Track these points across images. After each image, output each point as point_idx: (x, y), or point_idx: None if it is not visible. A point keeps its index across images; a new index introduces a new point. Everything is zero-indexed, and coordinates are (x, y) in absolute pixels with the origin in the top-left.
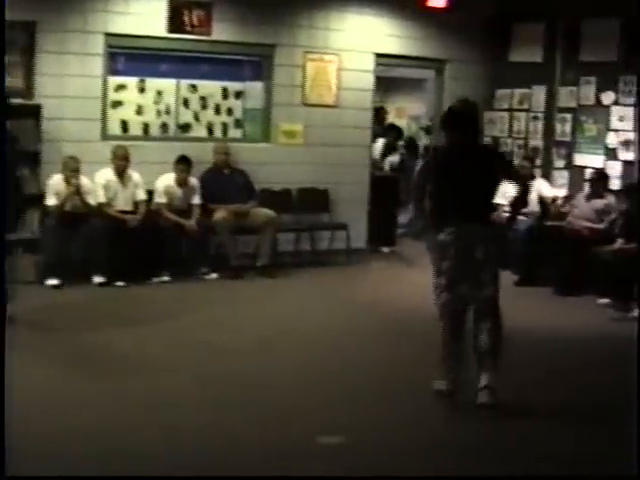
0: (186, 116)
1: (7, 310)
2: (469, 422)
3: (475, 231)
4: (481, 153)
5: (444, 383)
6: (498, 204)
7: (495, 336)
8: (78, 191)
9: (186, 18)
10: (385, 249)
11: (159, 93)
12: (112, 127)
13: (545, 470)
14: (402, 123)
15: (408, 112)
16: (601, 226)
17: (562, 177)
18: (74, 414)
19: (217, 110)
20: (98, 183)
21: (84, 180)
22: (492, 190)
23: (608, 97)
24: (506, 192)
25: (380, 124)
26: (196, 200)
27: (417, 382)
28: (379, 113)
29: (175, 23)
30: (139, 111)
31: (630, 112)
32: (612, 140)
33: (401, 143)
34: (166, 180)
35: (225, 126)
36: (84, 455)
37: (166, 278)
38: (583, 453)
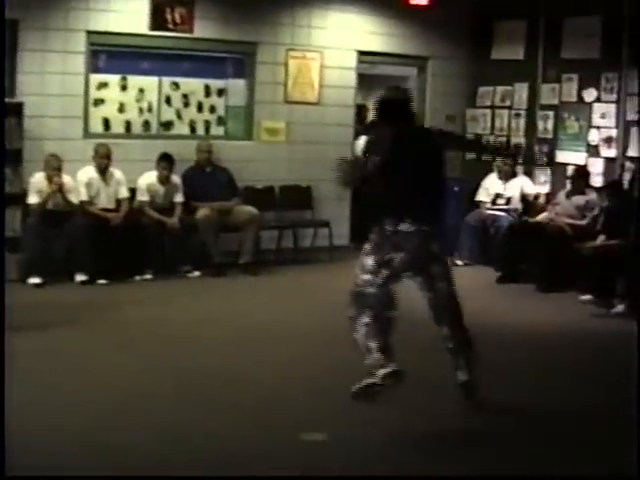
0: (168, 114)
1: None
2: (456, 419)
3: (419, 227)
4: (421, 137)
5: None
6: (481, 201)
7: (459, 334)
8: (60, 189)
9: (168, 15)
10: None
11: (141, 91)
12: (94, 125)
13: (539, 470)
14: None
15: None
16: (583, 223)
17: (544, 174)
18: (58, 412)
19: (199, 108)
20: (80, 181)
21: (66, 178)
22: (438, 176)
23: (590, 94)
24: (488, 188)
25: (362, 122)
26: (179, 198)
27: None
28: (361, 111)
29: (157, 20)
30: (121, 109)
31: (612, 109)
32: (594, 137)
33: None
34: (148, 178)
35: (207, 124)
36: (68, 453)
37: (149, 276)
38: (570, 453)
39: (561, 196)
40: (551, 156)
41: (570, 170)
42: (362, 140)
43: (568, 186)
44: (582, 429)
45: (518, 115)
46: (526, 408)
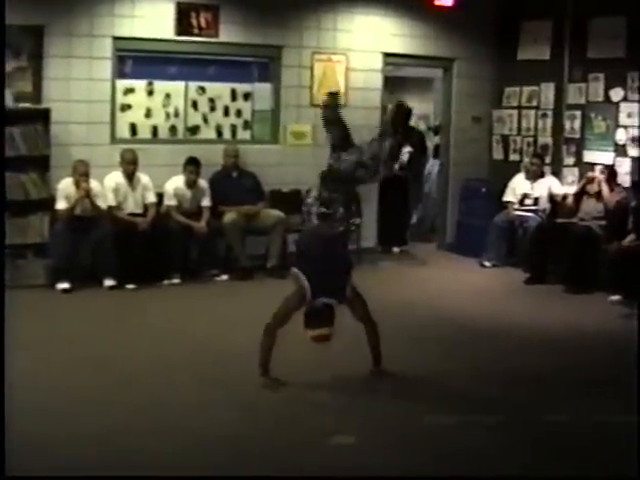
0: (195, 118)
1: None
2: (470, 424)
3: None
4: None
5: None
6: (508, 201)
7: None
8: (88, 195)
9: (194, 20)
10: (396, 249)
11: (167, 96)
12: (121, 130)
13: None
14: (410, 123)
15: (416, 112)
16: (611, 222)
17: (572, 174)
18: (81, 417)
19: (226, 112)
20: (108, 186)
21: (94, 183)
22: None
23: (617, 94)
24: (515, 189)
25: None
26: (206, 202)
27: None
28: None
29: (182, 25)
30: (148, 114)
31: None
32: (621, 136)
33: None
34: (175, 182)
35: (234, 128)
36: (89, 456)
37: (176, 280)
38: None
39: None
40: (578, 156)
41: (597, 170)
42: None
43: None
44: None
45: (545, 115)
46: (552, 407)
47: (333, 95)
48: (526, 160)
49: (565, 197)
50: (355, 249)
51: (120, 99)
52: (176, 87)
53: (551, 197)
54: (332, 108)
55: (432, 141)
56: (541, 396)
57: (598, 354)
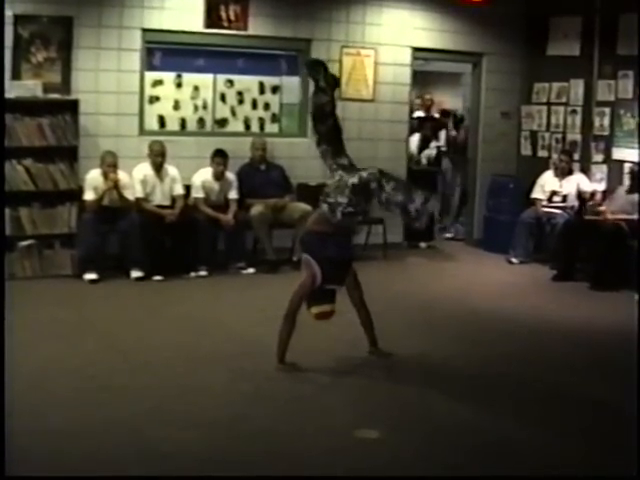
0: (223, 111)
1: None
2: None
3: None
4: None
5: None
6: (536, 198)
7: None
8: (116, 186)
9: (223, 13)
10: (422, 244)
11: (196, 88)
12: (149, 122)
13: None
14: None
15: (445, 106)
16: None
17: (600, 171)
18: (107, 407)
19: (254, 105)
20: (136, 178)
21: (122, 175)
22: None
23: None
24: (544, 185)
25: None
26: (233, 195)
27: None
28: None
29: (212, 18)
30: (176, 106)
31: None
32: None
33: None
34: (203, 175)
35: (262, 121)
36: (122, 447)
37: (203, 273)
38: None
39: (620, 192)
40: (607, 153)
41: (626, 167)
42: (416, 137)
43: (626, 182)
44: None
45: (574, 112)
46: (572, 405)
47: (333, 79)
48: (554, 157)
49: (593, 194)
50: (382, 244)
51: (149, 91)
52: (204, 80)
53: (579, 194)
54: (330, 94)
55: (451, 133)
56: (562, 391)
57: (622, 351)
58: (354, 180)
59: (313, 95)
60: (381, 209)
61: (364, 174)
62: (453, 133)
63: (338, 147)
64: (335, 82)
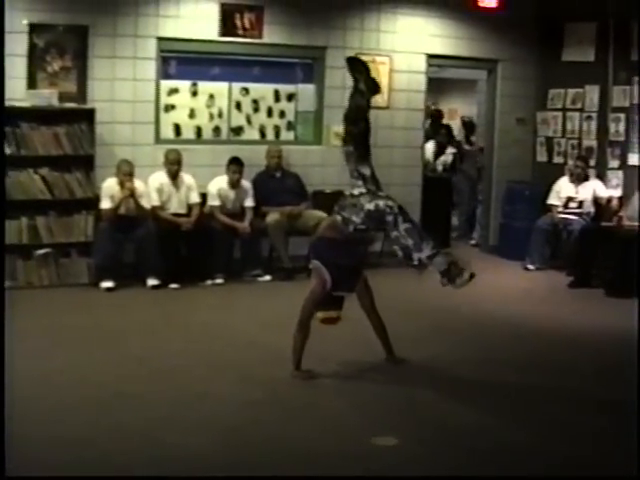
0: (238, 119)
1: None
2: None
3: None
4: None
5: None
6: (552, 204)
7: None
8: (132, 194)
9: (238, 21)
10: None
11: (211, 96)
12: (165, 131)
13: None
14: (454, 124)
15: (460, 113)
16: None
17: (616, 177)
18: (120, 412)
19: (269, 113)
20: (152, 186)
21: (138, 183)
22: None
23: None
24: (560, 192)
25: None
26: (249, 202)
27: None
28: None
29: (227, 26)
30: (192, 114)
31: None
32: None
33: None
34: (219, 182)
35: (277, 129)
36: (133, 451)
37: (219, 280)
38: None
39: (637, 198)
40: (623, 159)
41: None
42: (431, 144)
43: None
44: None
45: (589, 118)
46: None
47: (373, 82)
48: (570, 163)
49: (610, 200)
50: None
51: (164, 99)
52: (220, 88)
53: (595, 200)
54: (368, 97)
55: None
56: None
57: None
58: (370, 207)
59: (350, 97)
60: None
61: (381, 203)
62: (466, 147)
63: (363, 153)
64: (375, 87)
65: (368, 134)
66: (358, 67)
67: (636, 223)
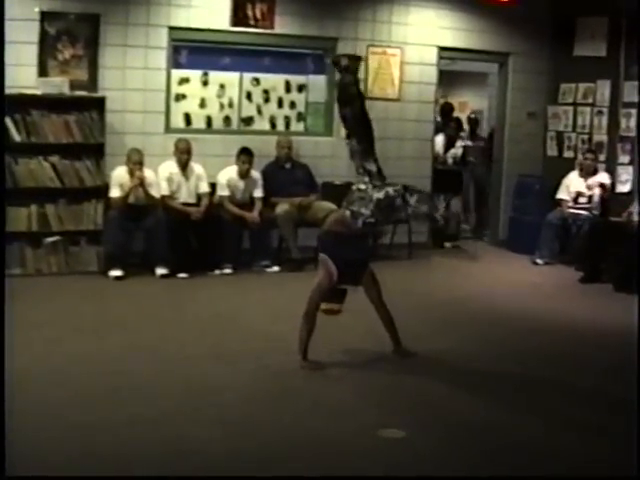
0: (249, 109)
1: None
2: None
3: None
4: None
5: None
6: (562, 199)
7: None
8: (142, 183)
9: (249, 12)
10: (448, 244)
11: (222, 86)
12: (175, 120)
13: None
14: (465, 118)
15: (470, 106)
16: None
17: (626, 172)
18: (131, 404)
19: (280, 103)
20: (161, 175)
21: (147, 172)
22: None
23: None
24: (569, 186)
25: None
26: (258, 193)
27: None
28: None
29: (238, 17)
30: (202, 104)
31: None
32: None
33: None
34: (228, 172)
35: (288, 119)
36: (145, 441)
37: (228, 270)
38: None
39: None
40: (633, 154)
41: None
42: (441, 136)
43: None
44: None
45: (600, 112)
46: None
47: (354, 59)
48: (580, 157)
49: (604, 186)
50: (407, 244)
51: (175, 89)
52: (231, 78)
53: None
54: (353, 74)
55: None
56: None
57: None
58: (379, 195)
59: (339, 80)
60: (410, 221)
61: (390, 190)
62: (469, 143)
63: (367, 147)
64: (357, 59)
65: (366, 122)
66: (339, 56)
67: None
